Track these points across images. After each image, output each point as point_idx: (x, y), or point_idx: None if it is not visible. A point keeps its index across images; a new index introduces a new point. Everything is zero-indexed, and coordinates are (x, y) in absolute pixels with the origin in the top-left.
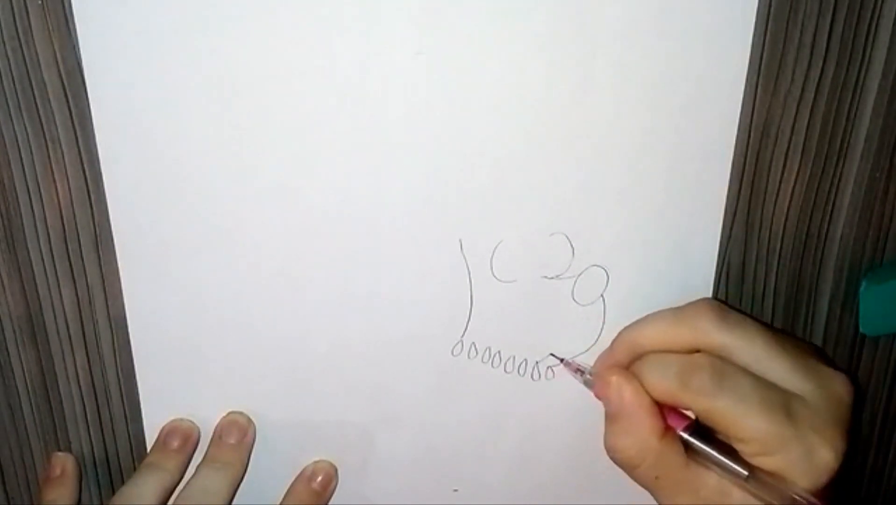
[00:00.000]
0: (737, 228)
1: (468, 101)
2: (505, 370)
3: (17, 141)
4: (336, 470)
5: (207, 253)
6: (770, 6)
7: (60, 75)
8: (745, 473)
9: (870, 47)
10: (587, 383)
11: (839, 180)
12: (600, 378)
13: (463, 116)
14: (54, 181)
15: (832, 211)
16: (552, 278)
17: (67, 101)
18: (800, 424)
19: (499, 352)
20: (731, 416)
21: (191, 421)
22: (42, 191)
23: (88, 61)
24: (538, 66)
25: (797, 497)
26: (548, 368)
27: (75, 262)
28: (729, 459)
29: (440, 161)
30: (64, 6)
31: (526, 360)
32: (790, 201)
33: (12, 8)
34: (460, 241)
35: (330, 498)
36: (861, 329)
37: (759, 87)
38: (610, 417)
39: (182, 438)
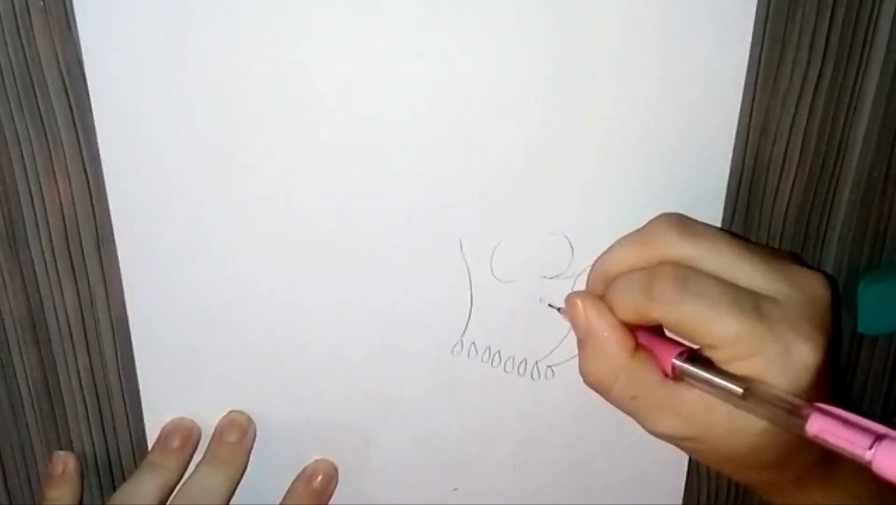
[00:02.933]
0: (735, 228)
1: (468, 101)
2: (505, 370)
3: (18, 140)
4: (336, 470)
5: (208, 252)
6: (769, 6)
7: (62, 75)
8: (740, 389)
9: (868, 48)
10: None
11: (837, 180)
12: (568, 304)
13: (463, 117)
14: (56, 180)
15: (830, 210)
16: (552, 278)
17: (69, 101)
18: (774, 322)
19: (499, 352)
20: (699, 321)
21: (192, 420)
22: (43, 190)
23: (90, 61)
24: (538, 67)
25: (794, 403)
26: (548, 367)
27: (77, 261)
28: (719, 378)
29: (440, 162)
30: (65, 6)
31: (526, 360)
32: (789, 201)
33: (14, 7)
34: (460, 241)
35: (330, 498)
36: (859, 328)
37: (758, 87)
38: (580, 343)
39: (183, 437)
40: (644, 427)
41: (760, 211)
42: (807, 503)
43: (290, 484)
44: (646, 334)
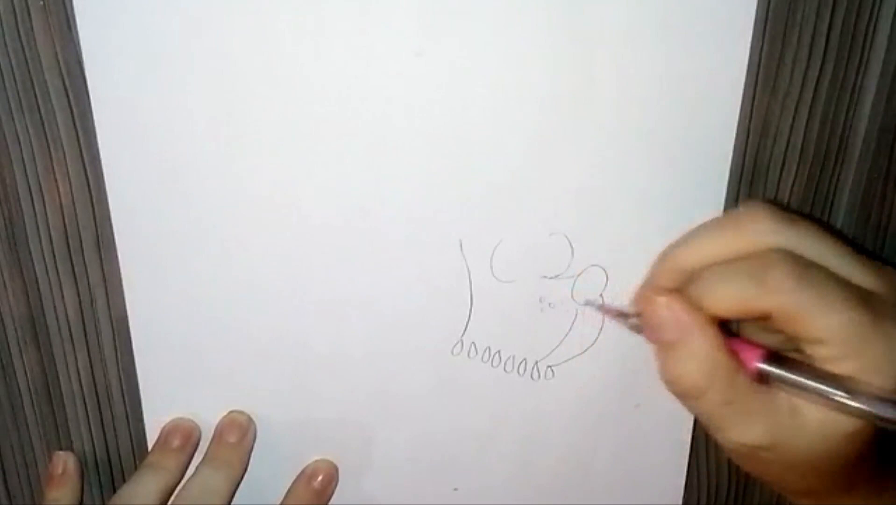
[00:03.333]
0: None
1: (468, 101)
2: (505, 370)
3: (18, 141)
4: (336, 470)
5: (208, 253)
6: (769, 6)
7: (62, 75)
8: (847, 395)
9: (868, 48)
10: (634, 328)
11: (837, 181)
12: (647, 302)
13: (463, 117)
14: (56, 181)
15: (830, 211)
16: (552, 278)
17: (69, 101)
18: (881, 318)
19: (499, 352)
20: (812, 313)
21: (192, 420)
22: (44, 191)
23: (90, 61)
24: (538, 67)
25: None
26: (548, 367)
27: (77, 262)
28: (826, 384)
29: (440, 161)
30: (65, 6)
31: (526, 360)
32: (789, 201)
33: (14, 8)
34: (460, 241)
35: (330, 498)
36: None
37: (758, 88)
38: (666, 346)
39: (183, 437)
40: (723, 436)
41: None
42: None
43: (290, 484)
44: (729, 338)
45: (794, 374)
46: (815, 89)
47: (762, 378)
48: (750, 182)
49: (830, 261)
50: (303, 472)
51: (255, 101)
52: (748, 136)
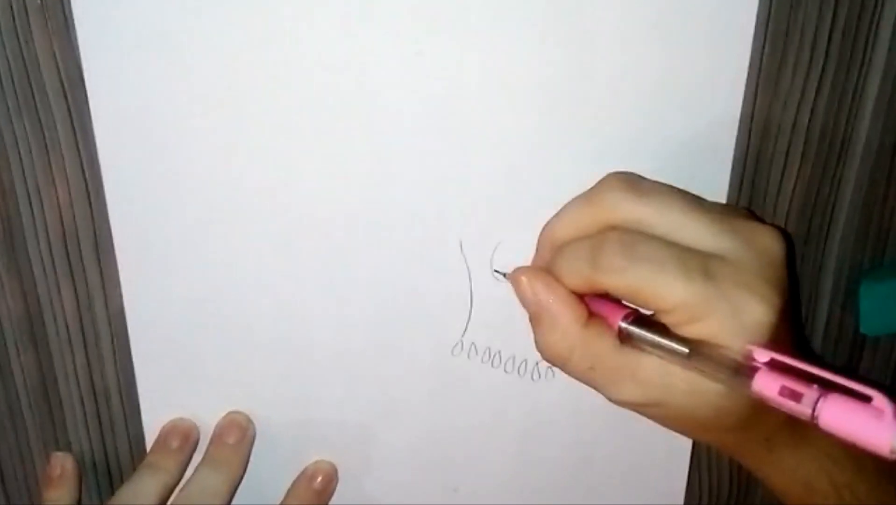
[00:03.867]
0: None
1: (468, 101)
2: (505, 370)
3: (16, 143)
4: (336, 470)
5: (206, 253)
6: (770, 6)
7: (60, 77)
8: (686, 350)
9: (870, 48)
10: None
11: (839, 181)
12: (513, 281)
13: (463, 116)
14: (54, 183)
15: (832, 211)
16: None
17: (67, 103)
18: (721, 282)
19: (499, 352)
20: (648, 287)
21: (190, 421)
22: (42, 193)
23: (88, 63)
24: (538, 67)
25: (737, 362)
26: (548, 368)
27: (75, 263)
28: (665, 339)
29: (440, 161)
30: (64, 8)
31: (526, 360)
32: (790, 202)
33: (12, 9)
34: (460, 241)
35: (330, 498)
36: (861, 329)
37: (760, 88)
38: (532, 319)
39: (182, 437)
40: (606, 397)
41: (762, 212)
42: (778, 464)
43: (290, 484)
44: (597, 300)
45: (646, 333)
46: (817, 90)
47: (628, 339)
48: (751, 183)
49: (677, 230)
50: (303, 472)
51: (254, 101)
52: (749, 137)
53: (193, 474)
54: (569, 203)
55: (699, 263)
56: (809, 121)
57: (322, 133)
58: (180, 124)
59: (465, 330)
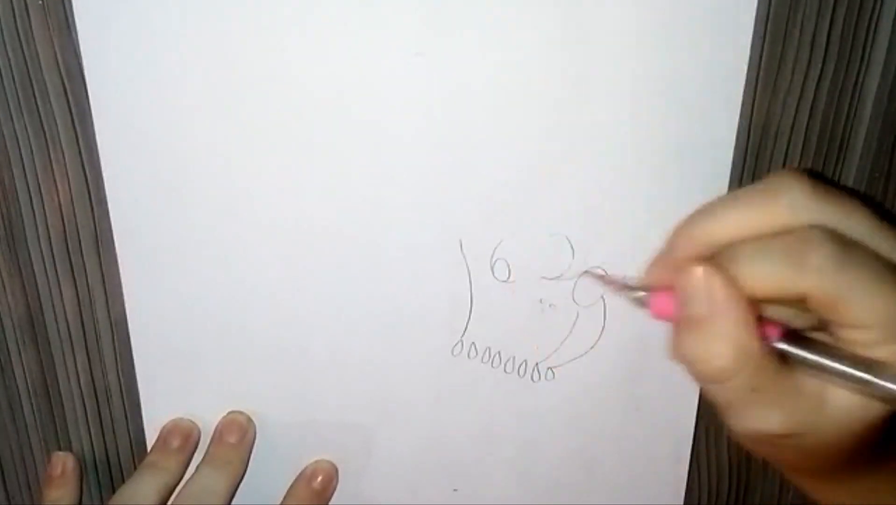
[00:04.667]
0: None
1: (468, 101)
2: (505, 370)
3: (17, 141)
4: (336, 470)
5: (207, 252)
6: (770, 6)
7: (61, 75)
8: (871, 377)
9: (869, 47)
10: (639, 302)
11: (839, 180)
12: (680, 272)
13: (463, 117)
14: (55, 181)
15: None
16: (552, 279)
17: (68, 101)
18: None
19: (499, 352)
20: (853, 297)
21: (191, 420)
22: (42, 191)
23: (89, 61)
24: (538, 67)
25: None
26: (548, 369)
27: (76, 261)
28: (851, 366)
29: (440, 161)
30: (64, 6)
31: (526, 360)
32: None
33: (13, 8)
34: (460, 241)
35: (330, 498)
36: None
37: (759, 87)
38: (693, 322)
39: (182, 437)
40: (741, 423)
41: None
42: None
43: (290, 484)
44: None
45: (816, 355)
46: (816, 89)
47: (783, 357)
48: (750, 182)
49: (872, 240)
50: (303, 472)
51: (254, 101)
52: (748, 136)
53: (194, 474)
54: (727, 200)
55: None
56: (808, 120)
57: (322, 133)
58: (181, 122)
59: (465, 330)
